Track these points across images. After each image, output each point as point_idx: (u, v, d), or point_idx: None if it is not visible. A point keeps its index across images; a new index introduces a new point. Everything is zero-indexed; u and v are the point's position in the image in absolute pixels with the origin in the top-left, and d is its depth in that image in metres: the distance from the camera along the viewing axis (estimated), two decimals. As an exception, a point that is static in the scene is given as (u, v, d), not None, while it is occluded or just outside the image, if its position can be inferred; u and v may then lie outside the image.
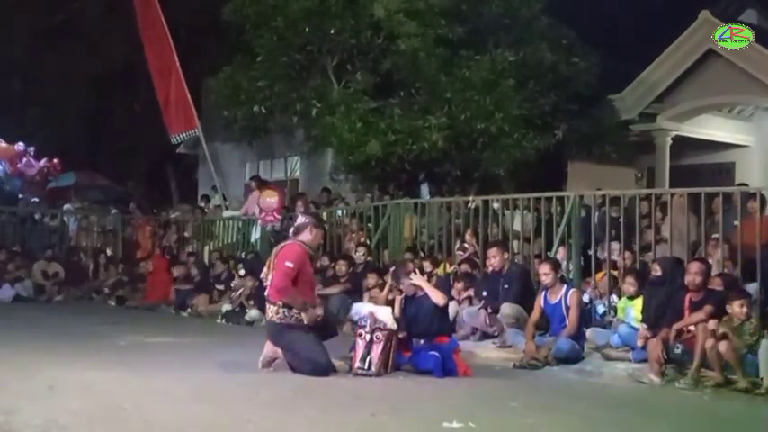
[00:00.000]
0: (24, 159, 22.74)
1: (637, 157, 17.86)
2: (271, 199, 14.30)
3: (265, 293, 7.85)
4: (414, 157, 13.80)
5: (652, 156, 17.70)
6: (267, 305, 7.73)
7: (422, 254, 11.38)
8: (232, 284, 13.36)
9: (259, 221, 14.53)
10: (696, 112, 17.31)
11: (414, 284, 7.83)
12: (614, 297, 9.24)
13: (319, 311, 7.67)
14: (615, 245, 10.10)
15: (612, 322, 8.89)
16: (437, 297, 7.75)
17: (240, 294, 12.71)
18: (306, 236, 7.77)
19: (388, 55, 14.45)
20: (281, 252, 7.65)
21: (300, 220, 8.07)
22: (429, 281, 8.03)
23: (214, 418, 5.52)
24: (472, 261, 10.68)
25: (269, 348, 7.65)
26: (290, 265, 7.46)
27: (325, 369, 7.35)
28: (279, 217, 14.07)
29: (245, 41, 15.56)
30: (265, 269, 7.88)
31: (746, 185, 10.81)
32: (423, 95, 14.20)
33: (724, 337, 7.07)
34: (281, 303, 7.51)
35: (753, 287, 8.26)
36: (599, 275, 9.68)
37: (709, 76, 16.37)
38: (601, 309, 9.29)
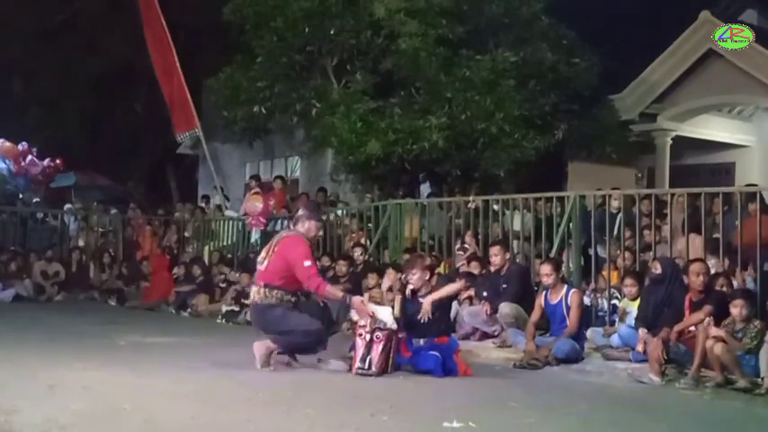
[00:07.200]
0: (29, 158, 22.69)
1: (637, 157, 17.86)
2: (257, 203, 14.68)
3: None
4: (414, 157, 13.79)
5: (652, 156, 17.71)
6: (252, 288, 7.77)
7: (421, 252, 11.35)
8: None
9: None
10: (696, 112, 17.33)
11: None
12: (615, 301, 9.24)
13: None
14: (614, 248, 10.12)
15: (613, 323, 8.91)
16: (450, 290, 7.85)
17: (235, 292, 12.69)
18: (300, 227, 7.83)
19: (388, 55, 14.43)
20: (287, 244, 7.64)
21: (300, 212, 8.16)
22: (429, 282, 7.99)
23: (214, 418, 5.51)
24: (480, 260, 10.63)
25: (259, 347, 7.56)
26: (309, 263, 7.50)
27: (321, 334, 7.40)
28: (264, 221, 14.43)
29: (245, 41, 15.54)
30: (263, 253, 7.88)
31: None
32: (423, 95, 14.18)
33: (720, 339, 7.07)
34: (262, 284, 7.57)
35: (750, 284, 8.28)
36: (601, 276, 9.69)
37: (709, 76, 16.38)
38: (602, 312, 9.29)
